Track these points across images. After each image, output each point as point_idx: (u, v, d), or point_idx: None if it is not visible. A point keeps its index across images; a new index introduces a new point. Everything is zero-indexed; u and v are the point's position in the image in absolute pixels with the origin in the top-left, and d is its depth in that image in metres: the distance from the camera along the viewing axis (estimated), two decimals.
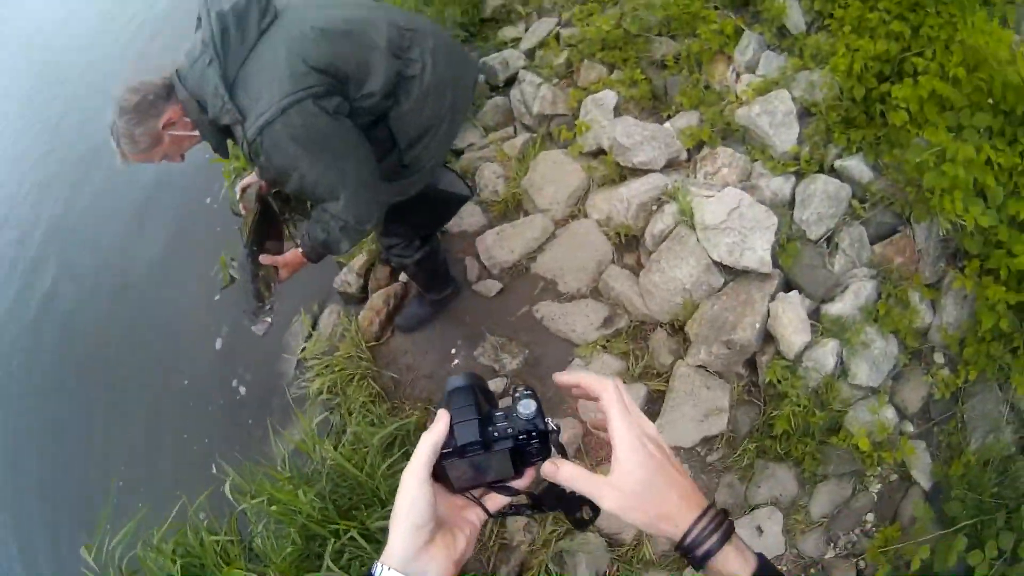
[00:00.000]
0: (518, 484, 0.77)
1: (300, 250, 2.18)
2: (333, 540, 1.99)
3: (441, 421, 0.72)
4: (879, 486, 2.49)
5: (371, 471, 2.23)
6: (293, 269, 2.29)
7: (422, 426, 2.53)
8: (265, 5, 1.99)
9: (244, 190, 2.48)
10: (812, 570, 2.42)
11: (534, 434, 0.72)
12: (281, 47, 1.94)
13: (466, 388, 0.76)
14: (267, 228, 2.26)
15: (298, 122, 1.89)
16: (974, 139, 2.15)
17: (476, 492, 0.78)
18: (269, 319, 2.19)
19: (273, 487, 2.10)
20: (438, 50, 2.15)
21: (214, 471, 2.48)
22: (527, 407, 0.72)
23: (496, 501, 0.78)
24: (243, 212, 2.31)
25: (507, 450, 0.73)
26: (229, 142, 2.19)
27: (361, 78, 2.03)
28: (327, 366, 2.96)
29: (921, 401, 2.48)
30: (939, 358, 2.50)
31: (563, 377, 0.79)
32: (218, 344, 3.55)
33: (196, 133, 2.09)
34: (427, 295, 2.97)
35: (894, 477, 2.48)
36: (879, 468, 2.46)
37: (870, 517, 2.47)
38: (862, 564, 2.38)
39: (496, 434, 0.72)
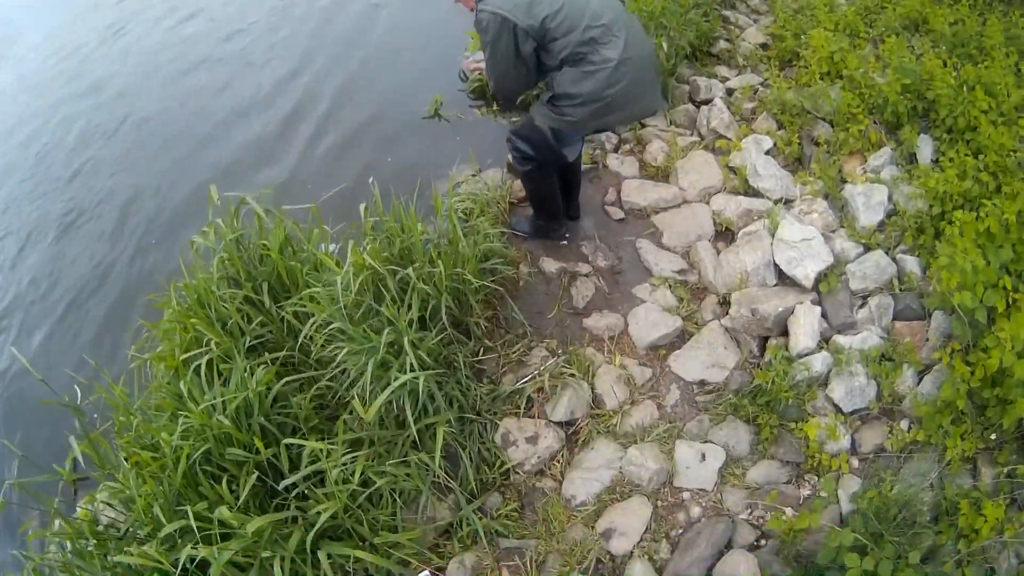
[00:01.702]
0: None
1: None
2: None
3: None
4: (808, 492, 2.81)
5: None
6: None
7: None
8: None
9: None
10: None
11: None
12: None
13: None
14: None
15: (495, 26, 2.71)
16: (995, 267, 2.76)
17: None
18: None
19: None
20: (629, 66, 2.79)
21: None
22: None
23: None
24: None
25: None
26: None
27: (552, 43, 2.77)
28: (473, 198, 3.65)
29: (874, 447, 2.85)
30: (903, 424, 2.87)
31: None
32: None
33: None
34: (534, 215, 3.53)
35: (823, 494, 2.74)
36: (815, 477, 2.82)
37: (789, 512, 2.70)
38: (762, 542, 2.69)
39: None
